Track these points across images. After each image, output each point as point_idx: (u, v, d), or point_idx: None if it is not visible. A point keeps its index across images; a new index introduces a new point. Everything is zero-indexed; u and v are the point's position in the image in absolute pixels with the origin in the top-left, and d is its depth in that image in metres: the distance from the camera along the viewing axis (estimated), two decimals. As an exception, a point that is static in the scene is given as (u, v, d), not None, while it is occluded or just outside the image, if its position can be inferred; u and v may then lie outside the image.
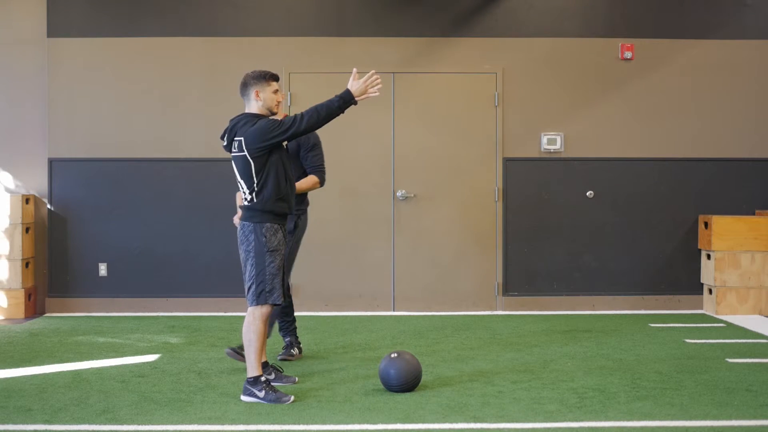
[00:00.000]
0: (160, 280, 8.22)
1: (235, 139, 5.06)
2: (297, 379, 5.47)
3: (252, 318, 5.04)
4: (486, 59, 8.39)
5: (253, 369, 5.02)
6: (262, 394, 4.97)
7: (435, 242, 8.37)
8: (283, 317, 6.20)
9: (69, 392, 5.17)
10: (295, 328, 6.28)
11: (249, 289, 5.05)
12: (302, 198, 6.07)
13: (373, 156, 8.36)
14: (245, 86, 5.15)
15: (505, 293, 8.40)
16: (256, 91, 5.11)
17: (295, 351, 6.22)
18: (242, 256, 5.12)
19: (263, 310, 5.04)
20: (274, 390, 5.01)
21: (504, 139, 8.38)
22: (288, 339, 6.26)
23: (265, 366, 5.36)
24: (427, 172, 8.34)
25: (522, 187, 8.40)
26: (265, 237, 5.03)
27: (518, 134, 8.39)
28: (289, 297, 6.13)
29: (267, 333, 5.17)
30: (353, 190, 8.34)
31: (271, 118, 5.12)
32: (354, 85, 5.03)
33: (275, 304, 5.08)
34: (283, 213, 5.12)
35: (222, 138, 5.18)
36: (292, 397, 5.01)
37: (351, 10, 8.38)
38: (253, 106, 5.14)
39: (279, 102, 5.18)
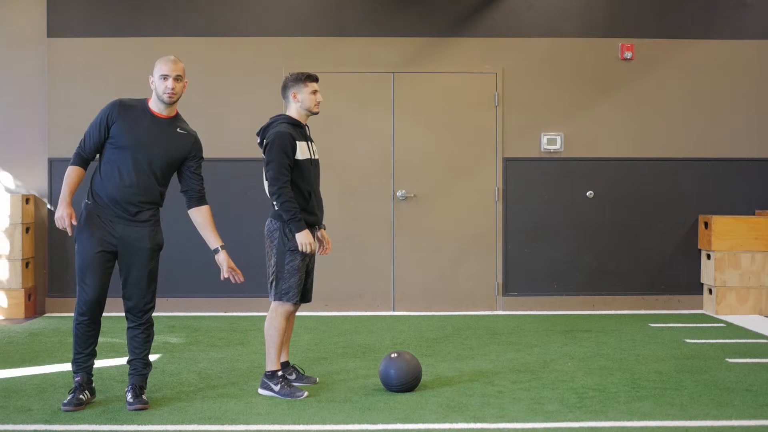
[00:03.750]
0: (160, 280, 8.19)
1: (265, 140, 5.17)
2: (317, 379, 5.44)
3: (274, 314, 5.14)
4: (486, 59, 8.39)
5: (271, 363, 5.11)
6: (277, 388, 5.06)
7: (435, 242, 8.37)
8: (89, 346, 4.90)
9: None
10: (140, 375, 4.92)
11: (270, 284, 5.16)
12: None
13: (373, 156, 8.35)
14: (284, 89, 5.25)
15: (505, 293, 8.40)
16: (294, 93, 5.19)
17: (85, 396, 4.89)
18: (266, 250, 5.23)
19: (285, 307, 5.14)
20: (289, 385, 5.10)
21: (504, 139, 8.38)
22: (78, 377, 4.88)
23: (286, 366, 5.38)
24: (427, 172, 8.34)
25: (522, 187, 8.41)
26: (287, 237, 5.12)
27: (518, 134, 8.39)
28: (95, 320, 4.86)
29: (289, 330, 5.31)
30: (353, 190, 8.34)
31: (284, 138, 5.06)
32: (301, 237, 5.08)
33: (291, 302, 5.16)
34: (306, 221, 5.17)
35: (257, 134, 5.26)
36: (306, 393, 5.07)
37: (350, 10, 8.38)
38: (292, 109, 5.23)
39: (319, 102, 5.22)
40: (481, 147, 8.38)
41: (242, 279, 4.97)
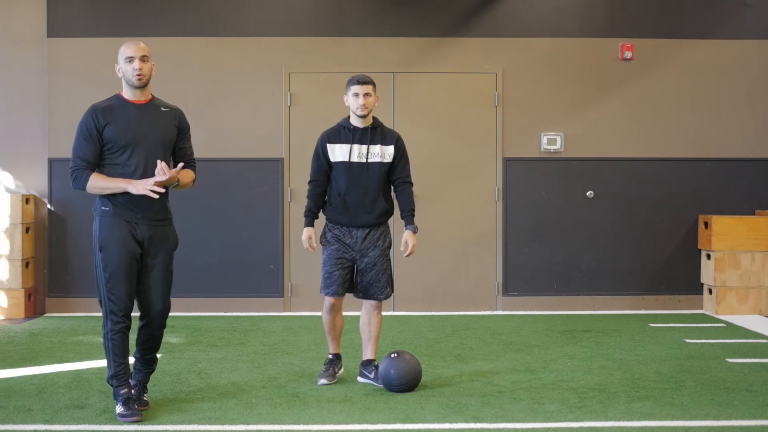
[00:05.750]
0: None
1: None
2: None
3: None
4: (486, 59, 8.39)
5: (328, 348, 5.59)
6: (322, 370, 5.49)
7: (435, 242, 8.37)
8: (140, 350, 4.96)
9: (69, 392, 5.17)
10: (147, 372, 4.94)
11: None
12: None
13: (373, 156, 8.34)
14: None
15: (505, 293, 8.40)
16: (345, 97, 5.40)
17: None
18: None
19: (326, 300, 5.43)
20: (325, 370, 5.45)
21: (504, 139, 8.38)
22: (125, 390, 4.70)
23: (338, 358, 5.57)
24: (427, 172, 8.33)
25: (522, 187, 8.40)
26: (323, 231, 5.46)
27: (518, 134, 8.39)
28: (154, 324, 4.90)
29: (335, 323, 5.50)
30: (353, 190, 8.33)
31: (318, 142, 5.40)
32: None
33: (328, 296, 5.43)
34: (333, 219, 5.42)
35: None
36: (322, 381, 5.36)
37: (351, 10, 8.38)
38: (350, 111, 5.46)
39: (362, 105, 5.30)
40: (481, 147, 8.38)
41: (166, 177, 4.60)
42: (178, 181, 4.72)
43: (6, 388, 5.29)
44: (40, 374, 5.65)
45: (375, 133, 5.42)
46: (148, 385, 5.01)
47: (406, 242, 5.39)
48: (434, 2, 8.38)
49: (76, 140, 4.68)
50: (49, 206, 8.25)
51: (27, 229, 8.11)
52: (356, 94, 5.30)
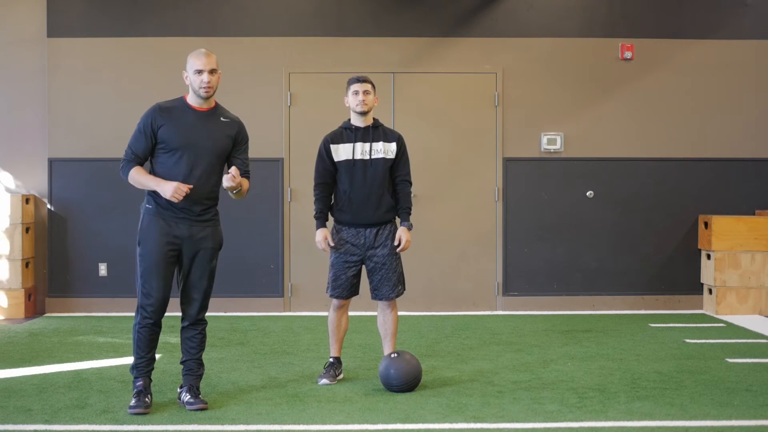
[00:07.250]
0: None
1: None
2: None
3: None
4: (486, 59, 8.39)
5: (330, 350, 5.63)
6: (322, 371, 5.53)
7: (435, 242, 8.37)
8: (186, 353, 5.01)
9: (69, 392, 5.17)
10: (196, 375, 4.96)
11: None
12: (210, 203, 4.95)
13: (373, 156, 8.34)
14: None
15: (505, 293, 8.40)
16: (345, 98, 5.47)
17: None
18: None
19: (332, 301, 5.60)
20: (326, 371, 5.48)
21: (504, 139, 8.38)
22: (141, 382, 4.81)
23: (339, 362, 5.60)
24: (427, 172, 8.33)
25: (522, 187, 8.40)
26: (331, 233, 5.52)
27: (518, 134, 8.39)
28: (195, 325, 5.03)
29: (341, 324, 5.66)
30: (353, 190, 8.33)
31: (321, 144, 5.45)
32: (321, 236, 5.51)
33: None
34: (341, 220, 5.49)
35: None
36: (323, 381, 5.40)
37: (351, 10, 8.38)
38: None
39: (361, 101, 5.39)
40: (481, 147, 8.38)
41: (235, 176, 4.73)
42: (241, 187, 4.85)
43: (6, 388, 5.29)
44: (40, 374, 5.65)
45: (377, 131, 5.50)
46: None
47: (399, 237, 5.53)
48: (434, 2, 8.38)
49: (134, 132, 4.79)
50: (49, 206, 8.25)
51: (27, 229, 8.11)
52: (356, 92, 5.39)
